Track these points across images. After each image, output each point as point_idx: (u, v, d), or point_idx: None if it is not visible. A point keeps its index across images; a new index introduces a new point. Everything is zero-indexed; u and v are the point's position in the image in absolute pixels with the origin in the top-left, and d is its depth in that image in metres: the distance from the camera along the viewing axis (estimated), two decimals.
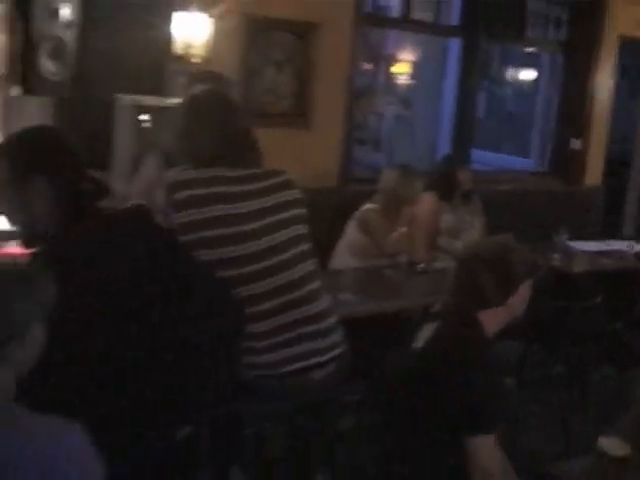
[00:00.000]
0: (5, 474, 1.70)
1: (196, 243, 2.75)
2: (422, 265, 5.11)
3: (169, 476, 2.40)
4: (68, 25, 4.56)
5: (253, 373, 2.84)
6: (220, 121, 2.92)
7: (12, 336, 1.78)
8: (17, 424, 1.76)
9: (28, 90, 4.46)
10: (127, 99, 4.62)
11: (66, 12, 4.56)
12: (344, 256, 5.20)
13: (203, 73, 3.93)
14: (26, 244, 2.39)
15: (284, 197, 2.95)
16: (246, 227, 2.83)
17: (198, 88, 3.22)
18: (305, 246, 2.97)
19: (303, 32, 5.98)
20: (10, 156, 2.29)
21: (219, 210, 2.79)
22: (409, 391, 2.69)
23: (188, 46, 5.21)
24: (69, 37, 4.57)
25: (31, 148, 2.30)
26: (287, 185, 2.99)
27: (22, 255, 3.14)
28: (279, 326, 2.85)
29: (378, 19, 7.90)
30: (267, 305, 2.83)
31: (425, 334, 2.74)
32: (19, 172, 2.25)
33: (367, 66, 8.06)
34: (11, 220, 2.35)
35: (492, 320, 2.68)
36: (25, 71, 4.44)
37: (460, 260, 2.89)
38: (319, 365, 2.92)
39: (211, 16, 5.29)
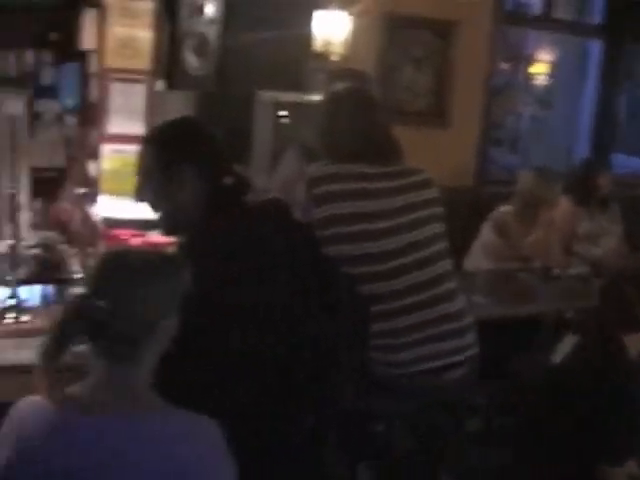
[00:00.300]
0: (137, 471, 1.75)
1: (335, 238, 2.76)
2: (557, 270, 4.99)
3: (299, 470, 2.40)
4: (212, 22, 4.66)
5: (387, 370, 2.83)
6: (361, 118, 2.92)
7: (150, 325, 1.83)
8: (151, 418, 1.82)
9: (172, 85, 4.57)
10: (267, 95, 4.68)
11: (210, 9, 4.66)
12: (477, 258, 5.13)
13: (344, 71, 3.94)
14: (167, 232, 2.44)
15: (423, 195, 2.93)
16: (385, 224, 2.82)
17: (340, 85, 3.23)
18: (442, 245, 2.95)
19: (442, 30, 5.94)
20: (159, 144, 2.33)
21: (358, 206, 2.80)
22: (545, 403, 2.62)
23: (327, 44, 5.25)
24: (212, 33, 4.66)
25: (181, 137, 2.34)
26: (426, 184, 2.97)
27: (163, 244, 3.23)
28: (416, 324, 2.83)
29: (518, 17, 7.73)
30: (404, 302, 2.82)
31: (564, 348, 2.66)
32: (167, 160, 2.30)
33: (505, 65, 7.90)
34: (154, 208, 2.39)
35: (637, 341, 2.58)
36: (169, 66, 4.56)
37: (607, 276, 2.79)
38: (453, 365, 2.89)
39: (350, 14, 5.31)
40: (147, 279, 1.86)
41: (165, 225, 2.42)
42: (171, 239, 3.21)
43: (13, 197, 2.74)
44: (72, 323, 1.82)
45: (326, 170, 2.89)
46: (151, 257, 1.96)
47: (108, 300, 1.79)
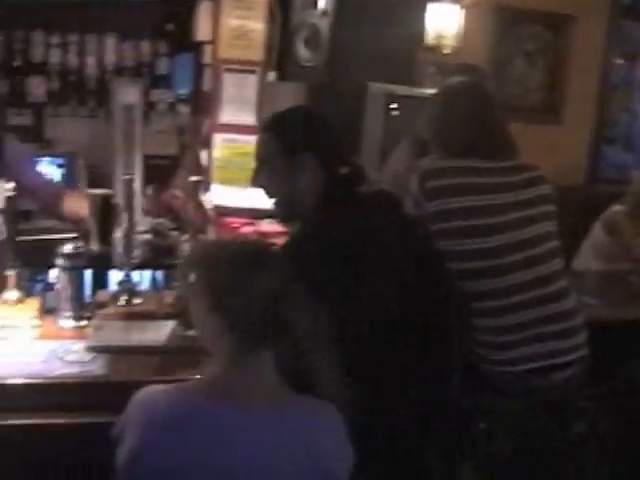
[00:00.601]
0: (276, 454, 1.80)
1: (446, 233, 2.74)
2: None
3: (402, 462, 2.40)
4: (324, 14, 4.68)
5: (493, 368, 2.80)
6: (476, 112, 2.89)
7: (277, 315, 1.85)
8: (283, 405, 1.85)
9: (283, 76, 4.62)
10: (378, 87, 4.68)
11: (323, 1, 4.68)
12: (587, 258, 5.01)
13: (458, 64, 3.90)
14: (281, 220, 2.46)
15: (536, 192, 2.88)
16: (497, 220, 2.78)
17: (456, 79, 3.19)
18: (554, 243, 2.89)
19: (556, 24, 5.82)
20: (280, 132, 2.35)
21: (470, 201, 2.77)
22: None
23: (440, 37, 5.21)
24: (324, 25, 4.68)
25: (302, 126, 2.36)
26: (540, 181, 2.92)
27: (273, 233, 3.27)
28: (524, 322, 2.78)
29: (636, 12, 7.50)
30: (512, 300, 2.77)
31: None
32: (288, 148, 2.32)
33: (621, 61, 7.67)
34: (270, 195, 2.42)
35: None
36: (281, 58, 4.60)
37: None
38: (561, 366, 2.83)
39: (462, 7, 5.26)
40: (274, 270, 1.88)
41: (280, 212, 2.45)
42: (280, 228, 3.27)
43: (130, 183, 2.81)
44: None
45: (439, 164, 2.87)
46: (262, 247, 1.99)
47: (240, 293, 1.82)
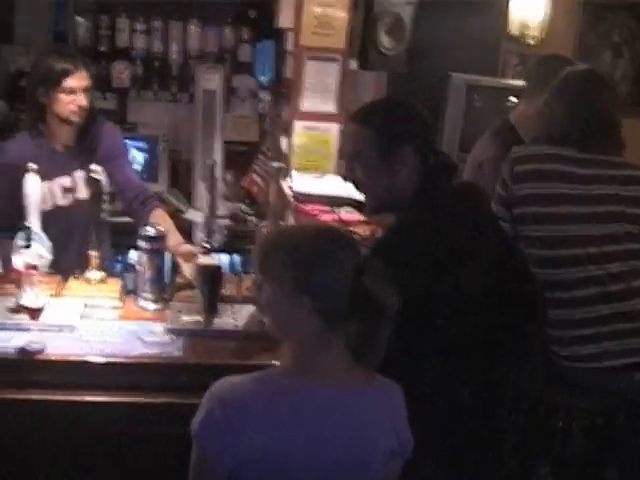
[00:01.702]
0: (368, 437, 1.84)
1: (528, 217, 2.73)
2: None
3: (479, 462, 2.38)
4: (407, 2, 4.63)
5: (570, 364, 2.75)
6: (583, 102, 2.82)
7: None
8: (365, 381, 1.88)
9: (365, 64, 4.58)
10: (460, 77, 4.62)
11: None
12: None
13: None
14: (372, 212, 2.45)
15: (628, 191, 2.81)
16: (584, 210, 2.74)
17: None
18: (636, 245, 2.81)
19: None
20: (376, 127, 2.30)
21: (558, 188, 2.74)
22: None
23: (524, 26, 5.13)
24: (407, 14, 4.63)
25: (397, 119, 2.31)
26: (636, 181, 2.85)
27: (352, 221, 3.26)
28: (603, 316, 2.73)
29: None
30: (586, 292, 2.72)
31: None
32: (386, 143, 2.28)
33: None
34: (364, 187, 2.39)
35: None
36: (363, 46, 4.56)
37: None
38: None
39: None
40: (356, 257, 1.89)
41: (372, 204, 2.41)
42: (360, 217, 3.26)
43: (212, 169, 2.83)
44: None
45: (530, 150, 2.84)
46: (338, 229, 2.01)
47: (324, 272, 1.81)
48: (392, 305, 1.83)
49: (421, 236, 2.18)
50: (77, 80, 3.20)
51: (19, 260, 2.79)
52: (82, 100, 3.22)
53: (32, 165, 2.97)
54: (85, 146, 3.33)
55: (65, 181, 3.30)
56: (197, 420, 1.84)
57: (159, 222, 3.12)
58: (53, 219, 3.15)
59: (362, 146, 2.32)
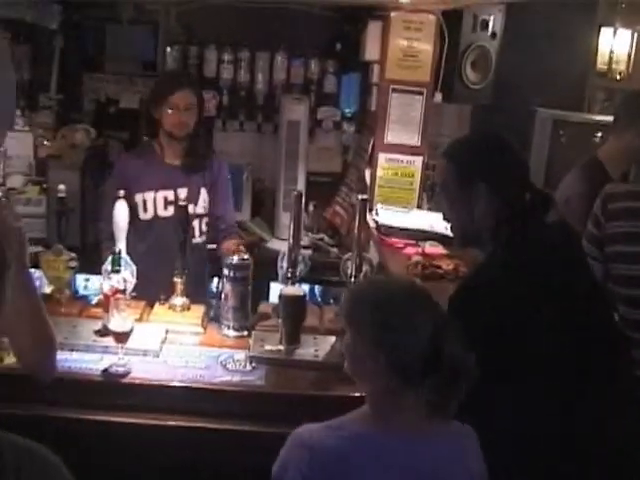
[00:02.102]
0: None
1: (619, 255, 2.70)
2: None
3: None
4: (493, 36, 4.62)
5: None
6: None
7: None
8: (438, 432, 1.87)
9: (450, 97, 4.59)
10: (546, 112, 4.59)
11: (492, 23, 4.63)
12: None
13: (634, 92, 3.75)
14: (458, 244, 2.46)
15: None
16: None
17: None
18: None
19: None
20: (456, 160, 2.33)
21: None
22: None
23: (611, 62, 5.07)
24: (493, 47, 4.62)
25: (479, 156, 2.31)
26: None
27: (436, 255, 3.25)
28: None
29: None
30: None
31: None
32: (464, 178, 2.30)
33: None
34: (449, 220, 2.41)
35: None
36: (448, 79, 4.57)
37: None
38: None
39: (635, 32, 5.09)
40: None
41: (457, 237, 2.44)
42: (444, 251, 3.25)
43: (299, 198, 2.85)
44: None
45: (623, 187, 2.82)
46: (420, 288, 2.01)
47: (403, 331, 1.83)
48: (468, 366, 1.82)
49: (506, 275, 2.17)
50: (180, 97, 3.45)
51: (107, 284, 2.85)
52: (183, 116, 3.46)
53: (120, 192, 3.06)
54: (192, 166, 3.56)
55: (169, 194, 3.51)
56: (275, 467, 1.88)
57: (230, 246, 3.32)
58: (150, 229, 3.48)
59: (445, 179, 2.37)
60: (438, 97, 4.54)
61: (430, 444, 1.85)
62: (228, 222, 3.67)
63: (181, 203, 3.12)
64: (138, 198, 3.52)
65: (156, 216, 3.53)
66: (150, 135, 3.64)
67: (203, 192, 3.59)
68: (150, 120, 3.58)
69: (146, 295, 3.08)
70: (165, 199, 3.51)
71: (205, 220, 3.62)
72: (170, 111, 3.47)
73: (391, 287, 1.99)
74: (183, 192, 3.49)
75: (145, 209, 3.51)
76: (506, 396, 2.08)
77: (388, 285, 2.03)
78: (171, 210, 3.46)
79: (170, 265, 3.01)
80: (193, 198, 3.50)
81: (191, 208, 3.35)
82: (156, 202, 3.52)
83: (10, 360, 2.65)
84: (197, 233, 3.58)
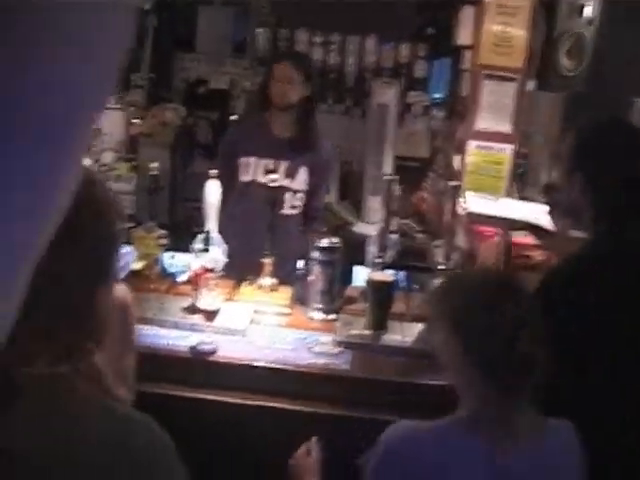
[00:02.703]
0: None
1: None
2: None
3: None
4: (589, 22, 4.51)
5: None
6: None
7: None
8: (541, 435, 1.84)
9: (543, 85, 4.50)
10: None
11: (589, 9, 4.52)
12: None
13: None
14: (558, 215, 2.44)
15: None
16: None
17: None
18: None
19: None
20: (569, 146, 2.30)
21: None
22: None
23: None
24: (589, 34, 4.52)
25: (579, 144, 2.28)
26: None
27: (525, 245, 3.19)
28: None
29: None
30: None
31: None
32: (567, 164, 2.27)
33: None
34: (553, 205, 2.39)
35: None
36: (543, 66, 4.48)
37: None
38: None
39: None
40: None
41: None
42: (534, 241, 3.19)
43: (389, 183, 2.83)
44: None
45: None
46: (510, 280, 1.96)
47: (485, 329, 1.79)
48: (541, 362, 1.78)
49: (591, 270, 2.15)
50: (280, 69, 3.67)
51: (197, 263, 2.88)
52: (283, 87, 3.65)
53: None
54: (298, 141, 3.72)
55: (269, 163, 3.66)
56: (370, 464, 1.85)
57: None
58: (247, 192, 3.65)
59: (563, 150, 2.34)
60: (531, 84, 4.46)
61: (529, 452, 1.80)
62: (315, 211, 3.80)
63: (273, 181, 3.12)
64: (242, 161, 3.71)
65: (254, 181, 3.68)
66: (262, 109, 3.82)
67: (303, 170, 3.71)
68: (263, 94, 3.77)
69: (238, 257, 3.12)
70: (265, 167, 3.66)
71: (298, 196, 3.73)
72: (273, 82, 3.66)
73: (479, 275, 1.95)
74: (284, 164, 3.67)
75: (246, 172, 3.70)
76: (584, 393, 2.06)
77: (476, 273, 1.99)
78: (269, 178, 3.51)
79: (260, 229, 3.02)
80: (291, 172, 3.68)
81: (288, 182, 3.62)
82: (257, 168, 3.68)
83: None
84: (288, 206, 3.68)
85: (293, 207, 3.72)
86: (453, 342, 1.80)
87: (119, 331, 2.13)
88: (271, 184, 3.26)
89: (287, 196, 3.66)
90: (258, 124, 3.80)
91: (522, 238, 3.16)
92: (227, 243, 2.99)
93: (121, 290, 2.10)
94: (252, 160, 3.70)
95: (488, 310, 1.78)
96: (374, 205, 4.38)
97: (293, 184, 3.69)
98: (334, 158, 3.92)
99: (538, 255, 3.06)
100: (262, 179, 3.61)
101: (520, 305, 1.81)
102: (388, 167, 4.46)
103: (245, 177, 3.71)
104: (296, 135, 3.73)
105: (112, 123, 4.85)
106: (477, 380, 1.79)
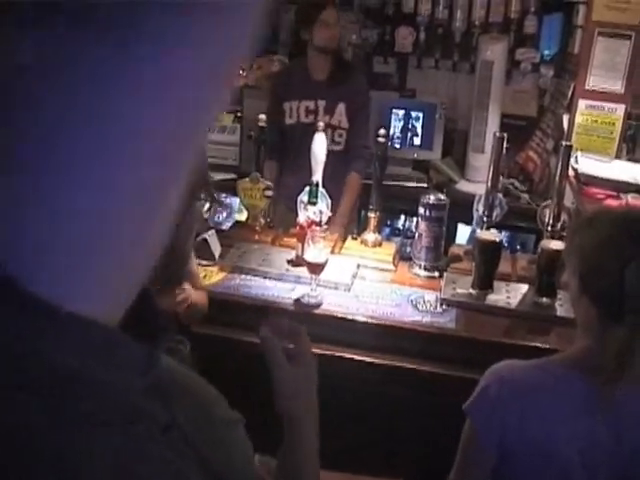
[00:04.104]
0: None
1: None
2: None
3: None
4: None
5: None
6: None
7: None
8: None
9: None
10: None
11: None
12: None
13: None
14: None
15: None
16: None
17: None
18: None
19: None
20: None
21: None
22: None
23: None
24: None
25: None
26: None
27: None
28: None
29: None
30: None
31: None
32: None
33: None
34: None
35: None
36: None
37: None
38: None
39: None
40: None
41: None
42: None
43: (500, 141, 2.78)
44: None
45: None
46: None
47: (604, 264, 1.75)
48: None
49: None
50: (329, 14, 3.82)
51: (303, 215, 2.89)
52: (333, 30, 3.83)
53: (320, 124, 3.08)
54: (335, 80, 3.93)
55: (310, 104, 3.93)
56: (471, 398, 1.85)
57: (345, 188, 3.80)
58: (293, 133, 3.91)
59: None
60: None
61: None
62: (355, 143, 3.95)
63: (380, 139, 3.10)
64: (285, 106, 3.97)
65: (299, 122, 3.94)
66: (300, 55, 4.08)
67: (341, 106, 3.93)
68: (298, 42, 4.08)
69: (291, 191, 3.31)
70: (307, 108, 3.94)
71: (338, 132, 3.94)
72: (319, 26, 3.81)
73: (602, 218, 1.87)
74: (322, 103, 3.93)
75: (290, 115, 3.96)
76: None
77: (600, 215, 1.93)
78: (311, 118, 3.88)
79: (307, 166, 3.02)
80: (330, 110, 3.92)
81: (327, 118, 3.85)
82: (299, 110, 3.95)
83: (216, 278, 2.77)
84: (329, 141, 3.66)
85: (336, 143, 3.91)
86: (578, 286, 1.79)
87: None
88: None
89: (328, 132, 3.76)
90: (298, 69, 4.05)
91: (635, 201, 3.07)
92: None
93: None
94: (294, 104, 3.95)
95: (609, 246, 1.74)
96: (478, 163, 4.32)
97: (333, 120, 3.91)
98: (368, 91, 4.08)
99: None
100: (305, 119, 3.92)
101: None
102: (495, 125, 4.38)
103: (290, 120, 3.97)
104: (333, 74, 3.94)
105: None
106: (595, 321, 1.77)
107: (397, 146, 4.56)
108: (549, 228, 2.81)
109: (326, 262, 2.64)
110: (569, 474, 1.77)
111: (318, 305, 2.67)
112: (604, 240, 1.76)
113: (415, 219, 3.08)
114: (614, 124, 4.00)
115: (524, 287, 2.82)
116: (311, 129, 3.21)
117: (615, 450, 1.75)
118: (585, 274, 1.77)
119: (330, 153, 3.69)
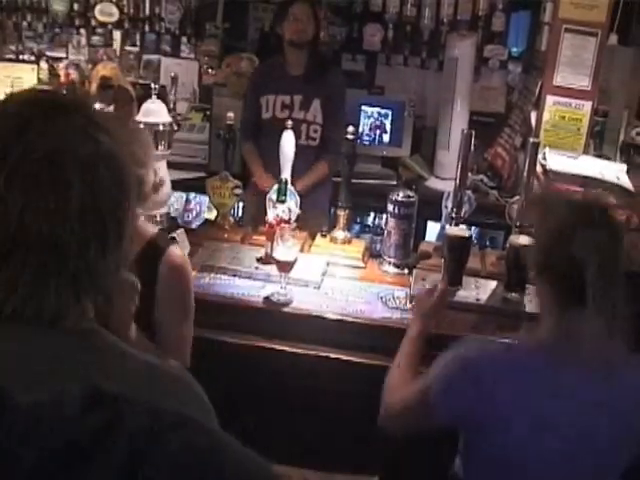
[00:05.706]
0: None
1: None
2: None
3: None
4: None
5: None
6: None
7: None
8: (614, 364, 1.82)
9: (625, 40, 4.39)
10: None
11: None
12: None
13: None
14: None
15: None
16: None
17: None
18: None
19: None
20: None
21: None
22: None
23: None
24: None
25: None
26: None
27: (612, 205, 3.12)
28: None
29: None
30: None
31: None
32: None
33: None
34: None
35: None
36: (624, 21, 4.36)
37: None
38: None
39: None
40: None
41: None
42: (614, 201, 3.12)
43: (468, 137, 2.78)
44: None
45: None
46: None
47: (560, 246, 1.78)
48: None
49: None
50: (297, 7, 3.87)
51: (272, 214, 2.88)
52: (301, 24, 3.86)
53: (289, 123, 3.08)
54: (311, 75, 3.97)
55: (286, 98, 3.97)
56: (441, 371, 1.92)
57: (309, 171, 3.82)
58: (269, 127, 3.87)
59: None
60: (613, 39, 4.34)
61: (606, 380, 1.81)
62: (327, 136, 3.96)
63: (349, 137, 3.09)
64: (262, 100, 4.00)
65: (274, 116, 3.94)
66: (277, 51, 4.07)
67: (316, 102, 3.96)
68: (277, 38, 4.05)
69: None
70: (282, 103, 3.98)
71: (313, 127, 3.97)
72: (290, 21, 3.87)
73: (558, 204, 1.91)
74: (299, 98, 3.96)
75: (267, 109, 3.99)
76: None
77: (557, 200, 1.98)
78: (287, 113, 3.91)
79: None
80: (305, 105, 3.96)
81: (302, 114, 3.91)
82: (275, 105, 3.98)
83: None
84: (304, 137, 3.93)
85: (312, 139, 3.95)
86: (539, 272, 1.86)
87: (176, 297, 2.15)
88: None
89: (303, 127, 3.91)
90: (274, 66, 4.08)
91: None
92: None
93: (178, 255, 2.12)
94: (271, 97, 3.99)
95: (565, 227, 1.79)
96: (446, 160, 4.33)
97: (308, 116, 3.95)
98: (343, 87, 4.09)
99: (618, 215, 2.99)
100: (280, 114, 3.92)
101: (605, 230, 1.80)
102: (463, 122, 4.39)
103: (266, 114, 4.00)
104: (308, 70, 3.98)
105: (185, 72, 4.87)
106: (551, 301, 1.83)
107: (366, 143, 4.56)
108: (518, 224, 2.83)
109: (295, 260, 2.63)
110: (526, 453, 1.81)
111: (288, 303, 2.66)
112: (558, 225, 1.80)
113: (384, 216, 3.07)
114: (581, 120, 4.03)
115: (493, 283, 2.83)
116: (285, 125, 3.21)
117: (566, 433, 1.79)
118: (541, 259, 1.84)
119: (305, 148, 3.76)
